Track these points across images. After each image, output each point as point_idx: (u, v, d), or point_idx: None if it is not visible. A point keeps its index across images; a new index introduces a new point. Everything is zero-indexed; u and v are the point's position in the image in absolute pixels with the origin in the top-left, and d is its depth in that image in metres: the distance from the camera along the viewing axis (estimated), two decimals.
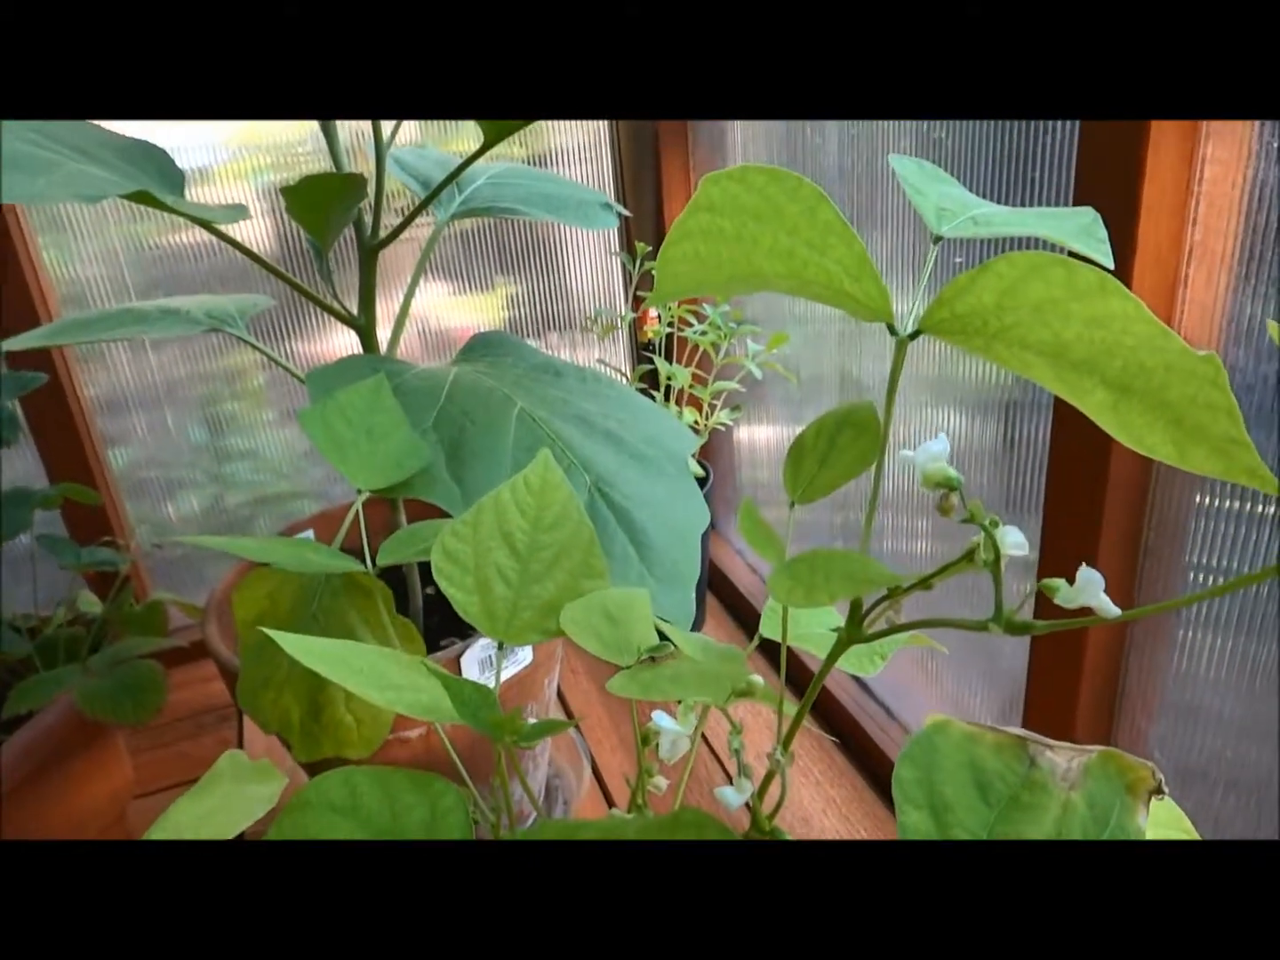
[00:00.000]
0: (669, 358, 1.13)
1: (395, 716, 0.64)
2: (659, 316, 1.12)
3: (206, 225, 0.63)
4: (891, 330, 0.34)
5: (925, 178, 0.39)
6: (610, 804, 0.96)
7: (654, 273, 0.42)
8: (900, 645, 0.45)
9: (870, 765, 0.94)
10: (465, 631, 0.81)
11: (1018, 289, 0.30)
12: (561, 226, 1.29)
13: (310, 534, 0.93)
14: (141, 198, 0.54)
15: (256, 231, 1.19)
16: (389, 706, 0.35)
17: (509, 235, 1.28)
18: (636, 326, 1.20)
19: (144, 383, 1.21)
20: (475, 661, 0.71)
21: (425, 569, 0.84)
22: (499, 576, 0.41)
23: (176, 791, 1.03)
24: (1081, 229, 0.38)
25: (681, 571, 0.54)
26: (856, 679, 1.03)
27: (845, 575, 0.30)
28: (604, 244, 1.33)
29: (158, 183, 0.65)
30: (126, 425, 1.23)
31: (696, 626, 1.20)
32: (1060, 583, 0.27)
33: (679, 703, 0.37)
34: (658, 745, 0.38)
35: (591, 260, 1.33)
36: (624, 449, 0.62)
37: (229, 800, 0.40)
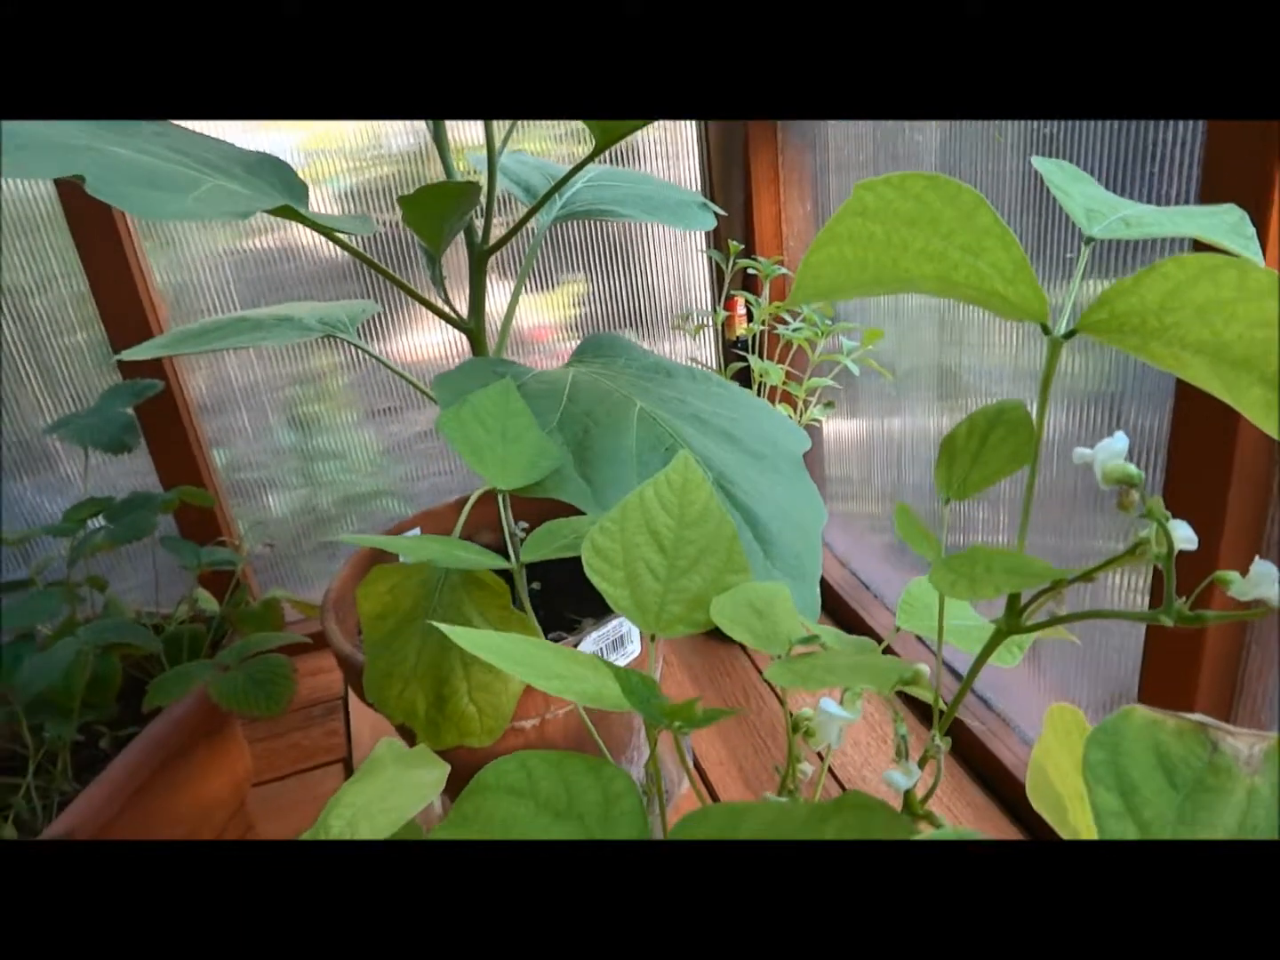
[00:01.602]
0: (760, 354, 1.14)
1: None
2: (749, 314, 1.13)
3: (332, 236, 0.66)
4: (1045, 330, 0.35)
5: (1068, 178, 0.40)
6: (711, 791, 0.97)
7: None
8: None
9: (970, 755, 0.94)
10: (571, 626, 0.84)
11: (1183, 290, 0.31)
12: (639, 221, 1.31)
13: (418, 532, 0.96)
14: (284, 212, 0.57)
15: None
16: (557, 694, 0.37)
17: (587, 229, 1.31)
18: (727, 324, 1.21)
19: (243, 383, 1.27)
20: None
21: (531, 566, 0.86)
22: (647, 571, 0.43)
23: (291, 780, 1.08)
24: (1230, 227, 0.38)
25: (805, 566, 0.55)
26: (952, 669, 1.03)
27: (1008, 569, 0.31)
28: (684, 237, 1.34)
29: (286, 194, 0.68)
30: (225, 426, 1.28)
31: None
32: (1234, 575, 0.28)
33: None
34: (806, 731, 0.40)
35: (671, 253, 1.34)
36: (740, 447, 0.63)
37: (398, 784, 0.42)
